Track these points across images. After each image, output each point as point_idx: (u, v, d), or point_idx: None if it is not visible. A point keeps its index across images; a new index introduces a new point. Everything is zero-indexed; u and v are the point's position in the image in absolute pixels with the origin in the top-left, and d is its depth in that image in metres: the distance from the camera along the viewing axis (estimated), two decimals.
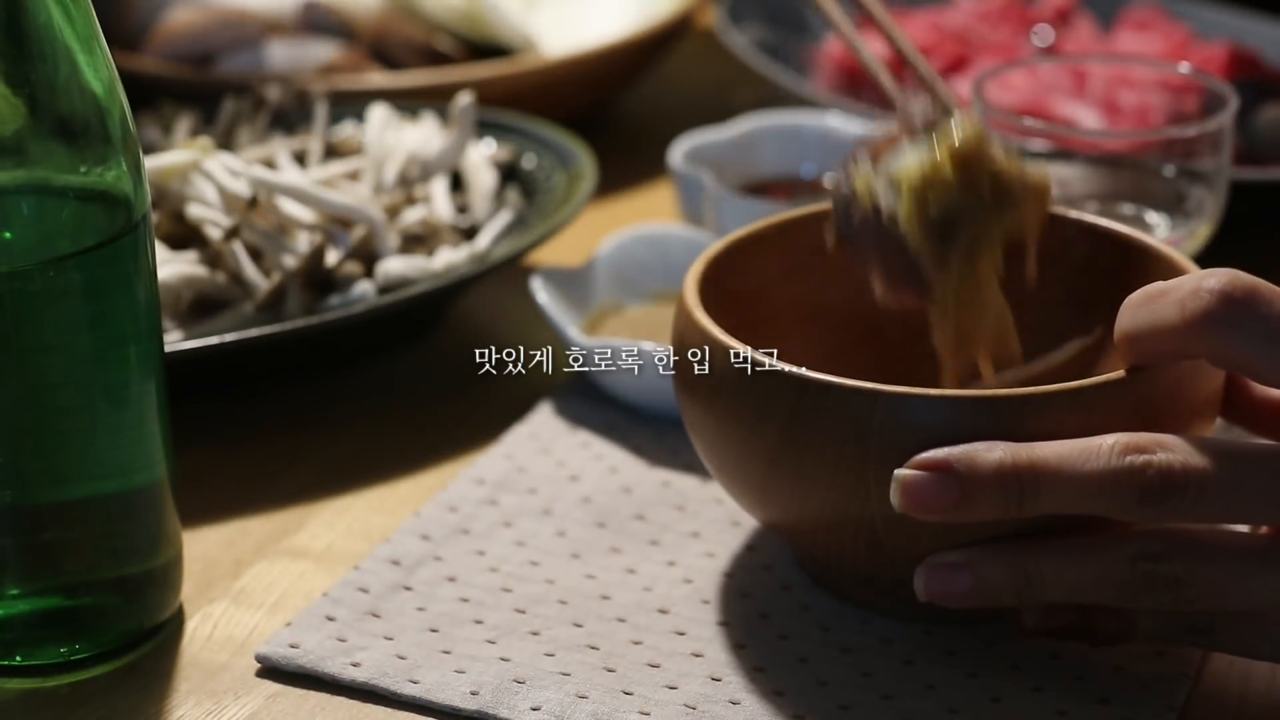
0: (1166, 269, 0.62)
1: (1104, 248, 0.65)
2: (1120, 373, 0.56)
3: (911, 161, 0.60)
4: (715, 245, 0.65)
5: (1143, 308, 0.55)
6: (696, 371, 0.59)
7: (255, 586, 0.65)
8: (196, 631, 0.62)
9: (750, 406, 0.57)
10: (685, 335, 0.60)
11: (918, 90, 0.67)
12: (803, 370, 0.56)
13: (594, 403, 0.75)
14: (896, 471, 0.54)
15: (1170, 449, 0.53)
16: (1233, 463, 0.53)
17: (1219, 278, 0.53)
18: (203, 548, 0.67)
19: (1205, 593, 0.54)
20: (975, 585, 0.55)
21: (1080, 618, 0.57)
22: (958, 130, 0.60)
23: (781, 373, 0.56)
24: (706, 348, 0.59)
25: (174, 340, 0.73)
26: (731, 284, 0.65)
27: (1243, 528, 0.57)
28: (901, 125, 0.61)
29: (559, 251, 0.86)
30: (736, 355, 0.57)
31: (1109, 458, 0.53)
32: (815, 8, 0.72)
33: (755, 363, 0.57)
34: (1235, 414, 0.60)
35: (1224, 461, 0.53)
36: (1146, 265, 0.63)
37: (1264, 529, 0.55)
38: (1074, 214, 0.66)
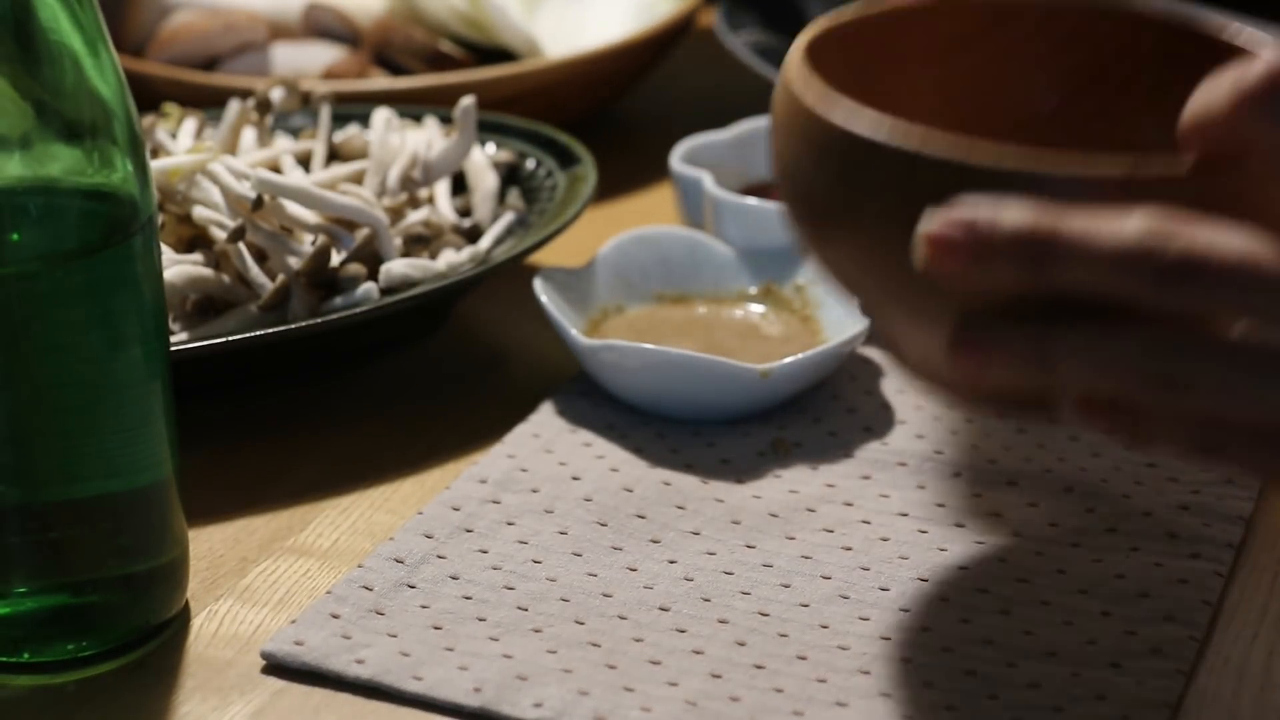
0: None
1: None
2: (1180, 166, 0.51)
3: None
4: (845, 11, 0.62)
5: (1201, 93, 0.51)
6: (778, 122, 0.57)
7: (260, 584, 0.65)
8: (202, 629, 0.63)
9: (808, 156, 0.55)
10: (778, 88, 0.57)
11: None
12: (850, 125, 0.54)
13: (595, 403, 0.75)
14: (921, 225, 0.51)
15: (1198, 232, 0.49)
16: (1267, 258, 0.49)
17: (1273, 54, 0.49)
18: (208, 546, 0.67)
19: (1214, 398, 0.50)
20: (997, 355, 0.52)
21: (1109, 411, 0.53)
22: None
23: (832, 125, 0.54)
24: (784, 95, 0.57)
25: (179, 340, 0.74)
26: (859, 57, 0.62)
27: None
28: None
29: (560, 253, 0.86)
30: (799, 104, 0.55)
31: (1132, 233, 0.49)
32: None
33: (812, 115, 0.55)
34: None
35: (1257, 255, 0.49)
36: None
37: None
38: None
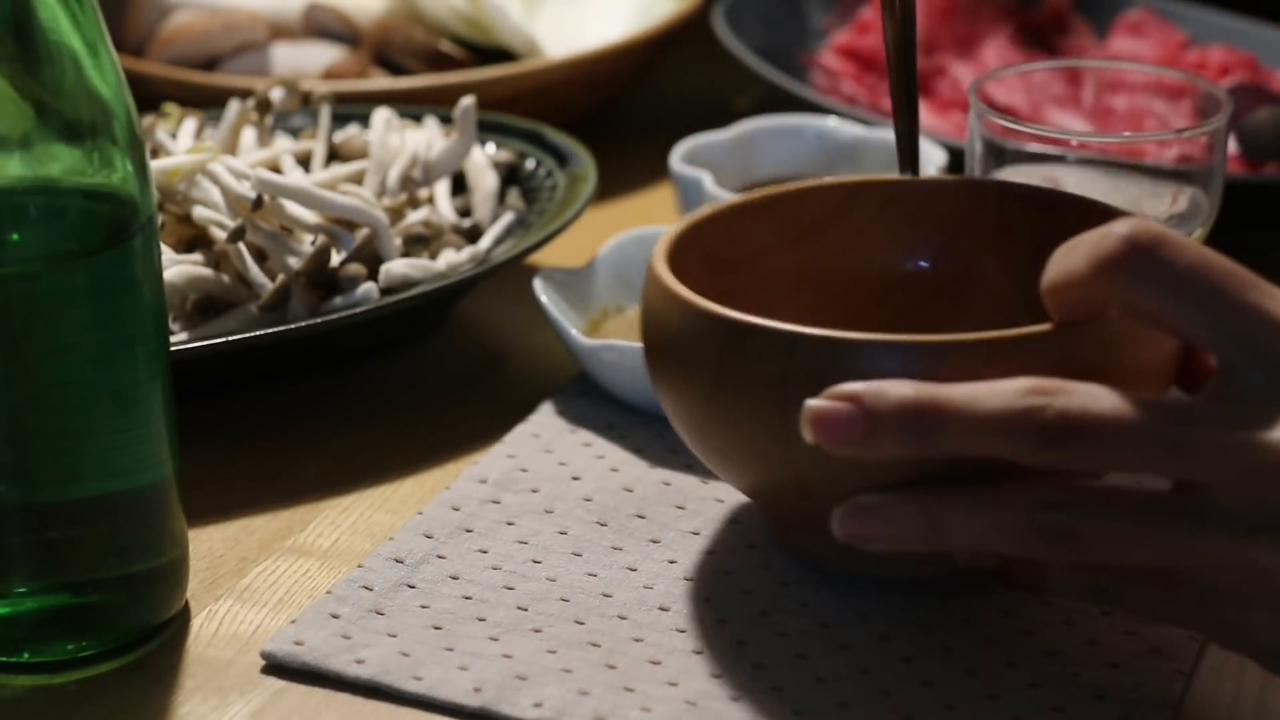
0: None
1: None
2: (1045, 326, 0.55)
3: None
4: (701, 210, 0.66)
5: (1060, 258, 0.54)
6: (649, 315, 0.61)
7: (260, 584, 0.65)
8: (202, 629, 0.63)
9: (684, 347, 0.59)
10: (646, 285, 0.62)
11: None
12: (727, 311, 0.57)
13: (595, 403, 0.76)
14: (807, 402, 0.54)
15: (1073, 393, 0.52)
16: (1139, 413, 0.52)
17: (1127, 224, 0.52)
18: (208, 546, 0.67)
19: (1102, 547, 0.53)
20: (886, 527, 0.54)
21: (1001, 563, 0.57)
22: None
23: (710, 313, 0.58)
24: (656, 289, 0.60)
25: (179, 340, 0.74)
26: (720, 250, 0.66)
27: (1160, 483, 0.55)
28: None
29: (560, 253, 0.86)
30: (674, 294, 0.59)
31: (1011, 398, 0.52)
32: None
33: (688, 304, 0.58)
34: (1193, 385, 0.58)
35: (1130, 411, 0.52)
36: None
37: (1167, 484, 0.54)
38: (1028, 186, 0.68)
